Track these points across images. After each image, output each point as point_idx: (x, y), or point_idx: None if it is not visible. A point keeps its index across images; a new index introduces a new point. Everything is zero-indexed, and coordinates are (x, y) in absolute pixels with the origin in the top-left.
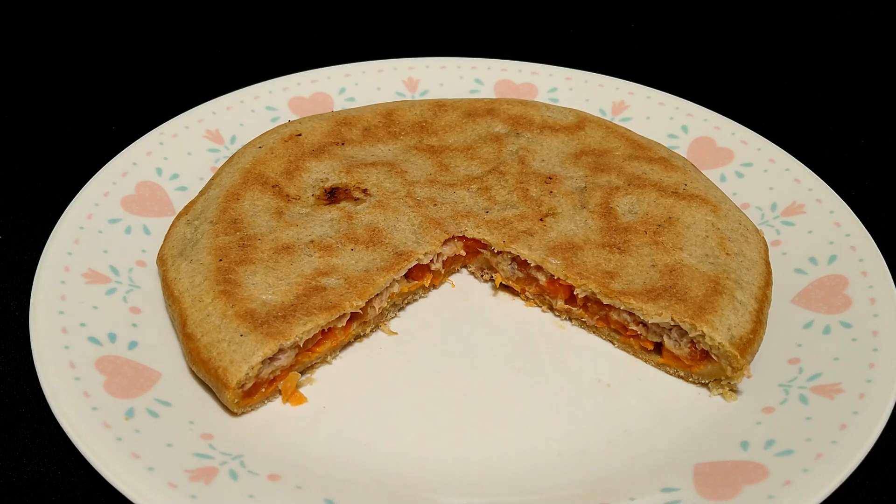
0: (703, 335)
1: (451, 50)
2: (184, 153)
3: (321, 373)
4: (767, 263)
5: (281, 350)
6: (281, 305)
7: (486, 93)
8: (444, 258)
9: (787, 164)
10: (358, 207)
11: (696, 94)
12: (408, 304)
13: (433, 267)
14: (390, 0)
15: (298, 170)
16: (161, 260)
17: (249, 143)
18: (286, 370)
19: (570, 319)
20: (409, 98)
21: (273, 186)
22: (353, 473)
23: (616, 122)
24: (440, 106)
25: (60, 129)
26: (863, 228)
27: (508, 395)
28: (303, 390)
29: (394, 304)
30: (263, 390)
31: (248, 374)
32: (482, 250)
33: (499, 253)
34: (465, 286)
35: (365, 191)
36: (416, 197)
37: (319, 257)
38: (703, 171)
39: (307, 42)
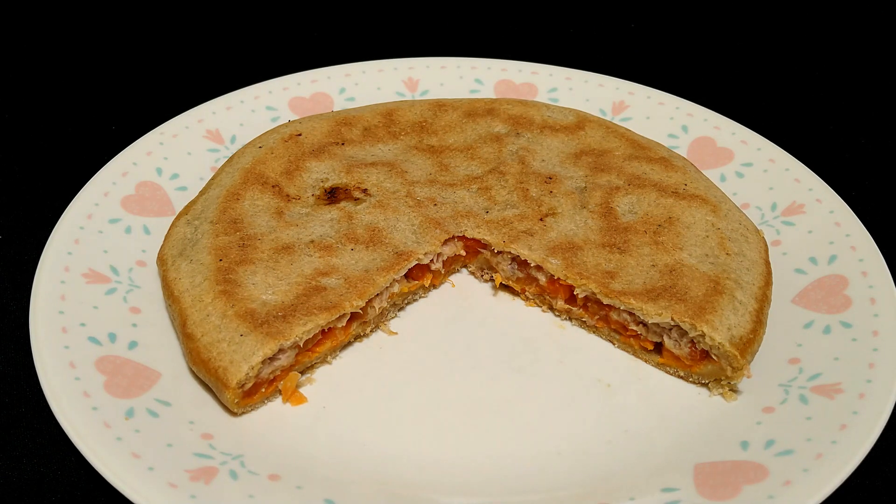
0: (703, 335)
1: (451, 50)
2: (184, 153)
3: (321, 373)
4: (767, 263)
5: (281, 350)
6: (281, 305)
7: (486, 93)
8: (444, 258)
9: (787, 164)
10: (358, 207)
11: (696, 94)
12: (408, 304)
13: (433, 267)
14: (390, 0)
15: (298, 170)
16: (161, 260)
17: (249, 143)
18: (286, 370)
19: (570, 319)
20: (409, 98)
21: (273, 186)
22: (353, 473)
23: (616, 122)
24: (440, 106)
25: (60, 129)
26: (863, 228)
27: (508, 395)
28: (303, 390)
29: (394, 304)
30: (263, 390)
31: (248, 374)
32: (482, 250)
33: (499, 253)
34: (465, 286)
35: (365, 191)
36: (416, 197)
37: (319, 257)
38: (703, 171)
39: (307, 42)
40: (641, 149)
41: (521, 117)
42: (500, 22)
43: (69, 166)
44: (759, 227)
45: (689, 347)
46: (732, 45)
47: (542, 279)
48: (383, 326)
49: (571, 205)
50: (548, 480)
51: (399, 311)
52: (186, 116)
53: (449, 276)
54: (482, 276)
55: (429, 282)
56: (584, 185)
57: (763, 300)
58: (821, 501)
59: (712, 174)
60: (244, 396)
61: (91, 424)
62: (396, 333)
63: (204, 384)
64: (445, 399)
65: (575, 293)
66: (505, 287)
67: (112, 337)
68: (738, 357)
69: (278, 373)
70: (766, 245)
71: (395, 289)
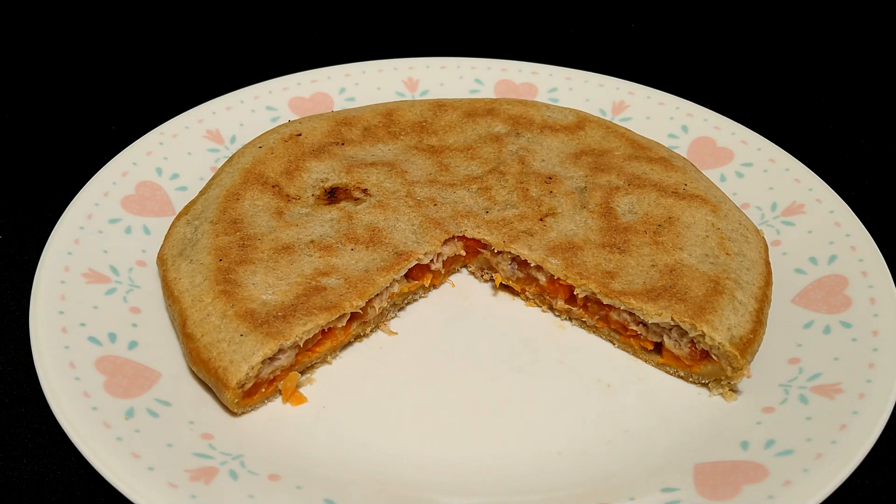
0: (703, 335)
1: (451, 50)
2: (184, 153)
3: (321, 373)
4: (767, 263)
5: (281, 350)
6: (281, 305)
7: (486, 93)
8: (444, 258)
9: (787, 164)
10: (358, 207)
11: (696, 94)
12: (408, 304)
13: (433, 267)
14: (390, 0)
15: (298, 170)
16: (161, 260)
17: (249, 143)
18: (286, 370)
19: (570, 319)
20: (409, 98)
21: (273, 186)
22: (353, 473)
23: (616, 122)
24: (440, 106)
25: (60, 129)
26: (863, 228)
27: (508, 395)
28: (303, 390)
29: (394, 304)
30: (263, 390)
31: (248, 374)
32: (482, 250)
33: (499, 253)
34: (465, 286)
35: (365, 191)
36: (416, 197)
37: (319, 257)
38: (703, 171)
39: (307, 42)
40: (641, 149)
41: (521, 117)
42: (500, 22)
43: (69, 166)
44: (759, 227)
45: (689, 347)
46: (732, 45)
47: (542, 279)
48: (383, 326)
49: (571, 205)
50: (548, 480)
51: (399, 311)
52: (186, 116)
53: (449, 276)
54: (482, 276)
55: (429, 282)
56: (584, 185)
57: (763, 300)
58: (821, 501)
59: (712, 174)
60: (244, 396)
61: (91, 424)
62: (396, 333)
63: (204, 384)
64: (445, 399)
65: (575, 293)
66: (505, 287)
67: (112, 337)
68: (738, 357)
69: (278, 373)
70: (766, 245)
71: (395, 289)
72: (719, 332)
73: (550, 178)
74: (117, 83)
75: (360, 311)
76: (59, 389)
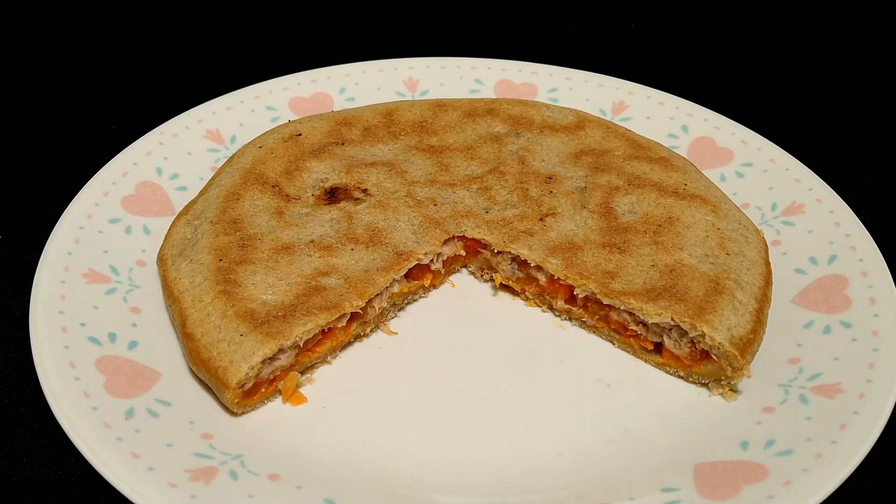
0: (703, 335)
1: (451, 50)
2: (184, 153)
3: (321, 373)
4: (767, 263)
5: (281, 350)
6: (281, 305)
7: (486, 93)
8: (444, 258)
9: (787, 164)
10: (358, 207)
11: (696, 94)
12: (408, 304)
13: (433, 267)
14: (390, 0)
15: (298, 170)
16: (161, 260)
17: (249, 142)
18: (286, 370)
19: (570, 319)
20: (409, 98)
21: (273, 186)
22: (353, 473)
23: (616, 122)
24: (440, 106)
25: (60, 129)
26: (863, 228)
27: (508, 395)
28: (303, 390)
29: (394, 304)
30: (263, 390)
31: (248, 374)
32: (482, 250)
33: (499, 253)
34: (465, 286)
35: (365, 191)
36: (416, 197)
37: (319, 257)
38: (703, 171)
39: (307, 42)
40: (641, 149)
41: (521, 117)
42: (500, 22)
43: (69, 166)
44: (759, 227)
45: (689, 347)
46: (732, 45)
47: (542, 279)
48: (383, 326)
49: (571, 205)
50: (548, 480)
51: (399, 311)
52: (186, 116)
53: (449, 276)
54: (482, 276)
55: (429, 282)
56: (584, 185)
57: (763, 300)
58: (821, 501)
59: (712, 174)
60: (244, 396)
61: (91, 424)
62: (396, 333)
63: (204, 384)
64: (445, 399)
65: (575, 293)
66: (505, 287)
67: (112, 337)
68: (738, 357)
69: (278, 373)
70: (766, 245)
71: (395, 289)
72: (719, 332)
73: (550, 178)
74: (117, 83)
75: (360, 311)
76: (59, 389)
